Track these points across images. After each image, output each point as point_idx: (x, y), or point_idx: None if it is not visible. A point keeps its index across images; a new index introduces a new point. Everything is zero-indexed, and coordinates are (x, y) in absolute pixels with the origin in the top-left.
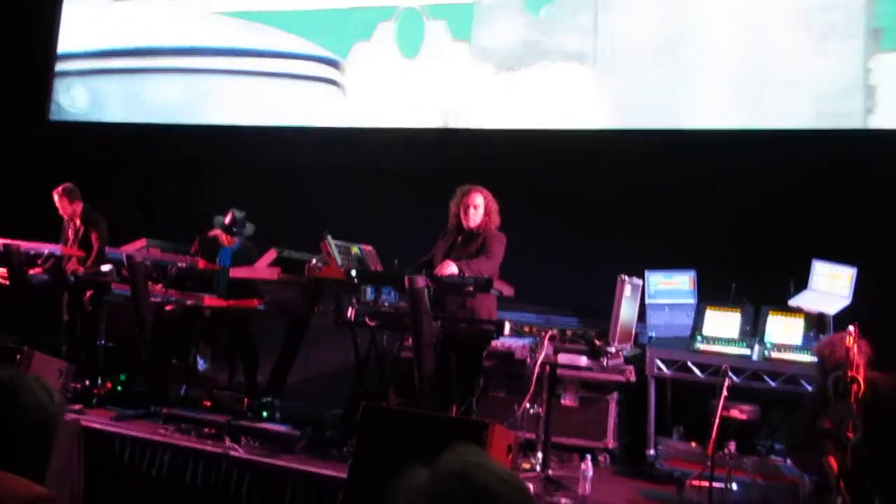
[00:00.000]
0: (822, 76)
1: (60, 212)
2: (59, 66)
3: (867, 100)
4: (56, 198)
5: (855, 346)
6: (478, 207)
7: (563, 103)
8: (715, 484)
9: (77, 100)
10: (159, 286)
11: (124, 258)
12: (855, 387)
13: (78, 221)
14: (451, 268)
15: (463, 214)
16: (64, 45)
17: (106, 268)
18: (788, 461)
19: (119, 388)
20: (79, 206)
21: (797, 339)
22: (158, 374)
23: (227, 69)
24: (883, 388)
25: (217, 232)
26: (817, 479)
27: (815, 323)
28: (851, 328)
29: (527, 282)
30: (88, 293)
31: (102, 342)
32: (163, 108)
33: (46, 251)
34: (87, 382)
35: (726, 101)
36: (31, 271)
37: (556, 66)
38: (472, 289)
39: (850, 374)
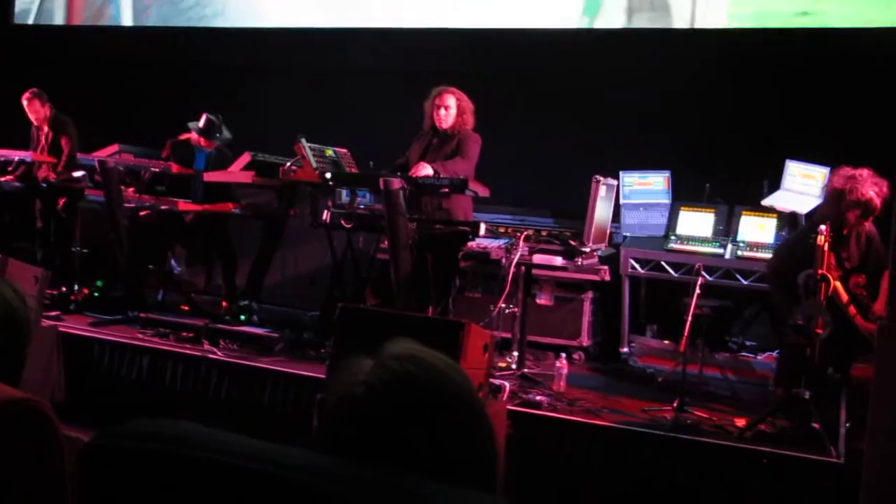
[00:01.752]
0: None
1: (31, 117)
2: None
3: None
4: (26, 102)
5: (874, 187)
6: (450, 108)
7: (539, 1)
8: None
9: None
10: (131, 190)
11: (97, 164)
12: (824, 285)
13: (46, 127)
14: (425, 169)
15: (436, 115)
16: None
17: (78, 174)
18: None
19: (96, 294)
20: (48, 110)
21: (769, 238)
22: (135, 279)
23: None
24: (875, 248)
25: (190, 135)
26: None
27: (788, 222)
28: (823, 227)
29: (502, 182)
30: (62, 200)
31: (77, 248)
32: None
33: (17, 158)
34: (64, 289)
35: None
36: (3, 179)
37: None
38: (447, 190)
39: (820, 272)
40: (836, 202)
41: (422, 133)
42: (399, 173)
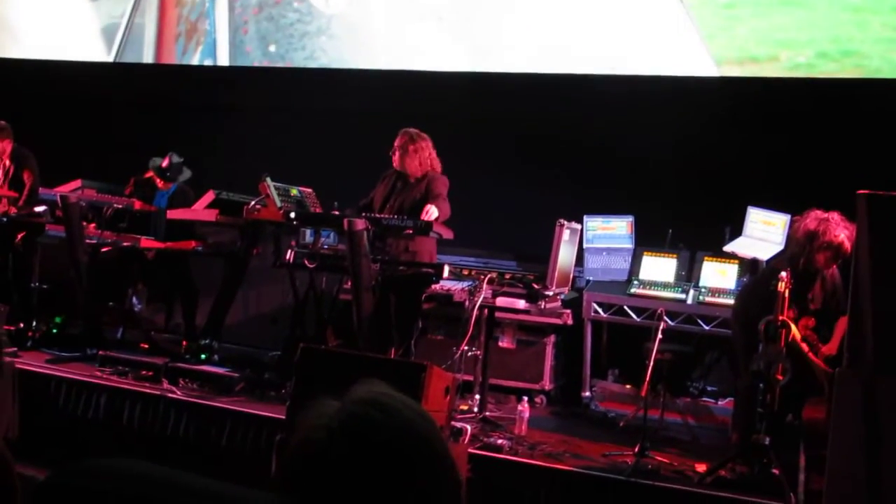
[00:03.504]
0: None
1: None
2: None
3: None
4: None
5: (845, 231)
6: (398, 150)
7: (506, 46)
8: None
9: None
10: (92, 226)
11: (58, 199)
12: (784, 331)
13: (7, 161)
14: (434, 211)
15: (395, 157)
16: None
17: (39, 209)
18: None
19: (54, 330)
20: (9, 145)
21: (731, 284)
22: (94, 316)
23: None
24: (839, 294)
25: (152, 174)
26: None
27: (749, 268)
28: (784, 274)
29: (467, 225)
30: (20, 234)
31: (36, 284)
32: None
33: None
34: (22, 325)
35: (670, 48)
36: None
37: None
38: (411, 231)
39: (781, 318)
40: (807, 243)
41: (387, 174)
42: (364, 214)
